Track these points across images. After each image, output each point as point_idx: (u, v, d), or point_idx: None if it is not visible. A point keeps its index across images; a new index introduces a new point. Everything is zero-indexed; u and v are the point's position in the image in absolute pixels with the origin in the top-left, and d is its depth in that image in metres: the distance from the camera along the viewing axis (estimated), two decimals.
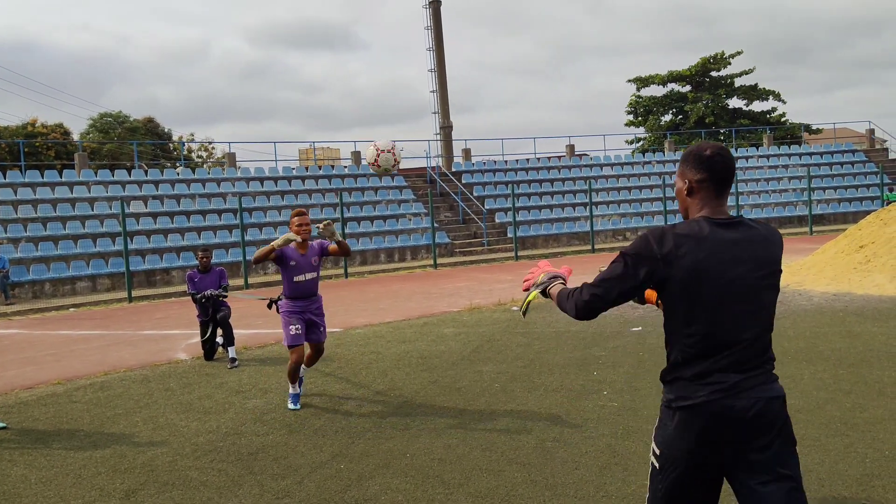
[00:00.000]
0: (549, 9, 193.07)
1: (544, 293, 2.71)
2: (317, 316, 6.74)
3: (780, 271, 2.55)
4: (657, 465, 2.51)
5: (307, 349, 6.82)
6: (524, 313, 2.92)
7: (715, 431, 2.39)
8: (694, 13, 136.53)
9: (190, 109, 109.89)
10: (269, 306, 7.16)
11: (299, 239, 6.45)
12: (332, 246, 6.63)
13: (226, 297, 9.34)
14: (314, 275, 6.68)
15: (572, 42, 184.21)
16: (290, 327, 6.53)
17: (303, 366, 6.81)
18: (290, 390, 6.70)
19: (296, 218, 6.60)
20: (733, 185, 25.28)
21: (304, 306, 6.62)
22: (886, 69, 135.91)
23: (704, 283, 2.40)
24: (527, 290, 2.79)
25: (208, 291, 9.14)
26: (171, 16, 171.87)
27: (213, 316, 9.13)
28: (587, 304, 2.49)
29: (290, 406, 6.59)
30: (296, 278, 6.57)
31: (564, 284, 2.71)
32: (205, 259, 9.29)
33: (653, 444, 2.55)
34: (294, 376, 6.62)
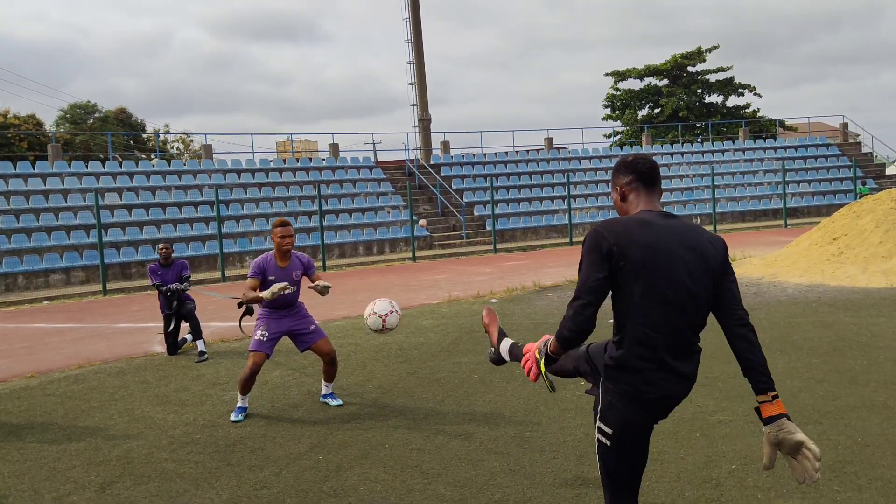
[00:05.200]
0: (510, 2, 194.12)
1: (548, 360, 2.81)
2: (299, 320, 6.25)
3: (714, 258, 2.68)
4: (608, 442, 2.70)
5: (322, 363, 6.44)
6: (552, 388, 2.97)
7: (662, 410, 2.70)
8: (653, 9, 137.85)
9: (155, 101, 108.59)
10: (240, 305, 6.90)
11: (289, 290, 5.91)
12: (313, 285, 6.17)
13: (188, 288, 9.29)
14: (294, 288, 6.15)
15: (535, 36, 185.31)
16: (258, 332, 6.10)
17: (324, 382, 6.44)
18: (239, 401, 6.14)
19: (278, 229, 6.10)
20: (710, 179, 25.21)
21: (283, 314, 6.20)
22: (849, 64, 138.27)
23: (655, 266, 2.55)
24: (535, 377, 2.90)
25: (174, 285, 9.08)
26: (126, 6, 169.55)
27: (178, 310, 9.07)
28: (576, 313, 2.58)
29: (233, 417, 6.03)
30: None
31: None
32: (165, 251, 9.24)
33: (600, 424, 2.72)
34: (245, 385, 6.07)
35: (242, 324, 6.81)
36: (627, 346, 2.61)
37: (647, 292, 2.55)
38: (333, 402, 6.37)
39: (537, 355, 2.85)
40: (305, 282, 6.36)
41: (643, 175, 2.73)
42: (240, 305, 6.84)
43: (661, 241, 2.57)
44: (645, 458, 2.78)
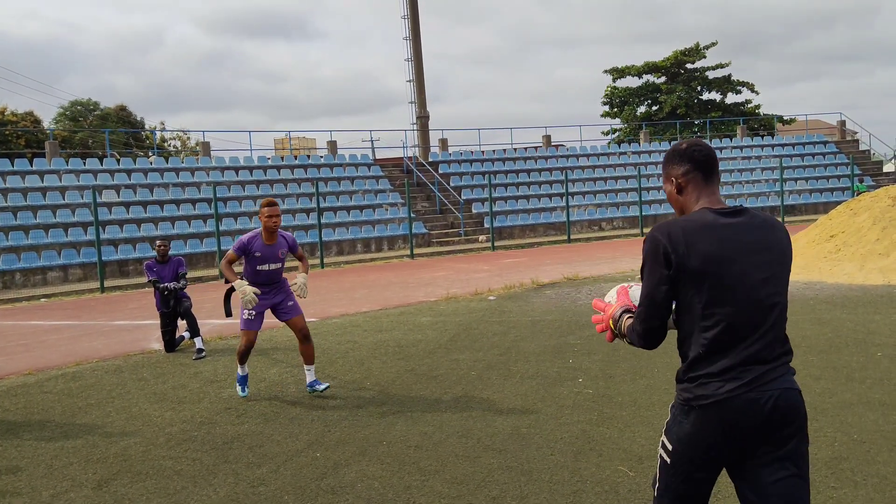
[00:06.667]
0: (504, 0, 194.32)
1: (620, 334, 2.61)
2: (281, 294, 6.52)
3: (790, 257, 2.49)
4: (669, 460, 2.45)
5: (297, 340, 6.67)
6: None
7: (736, 426, 2.33)
8: (647, 7, 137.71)
9: (150, 98, 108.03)
10: (228, 293, 6.92)
11: (250, 297, 6.17)
12: (300, 264, 6.74)
13: (185, 286, 9.30)
14: (279, 265, 6.48)
15: (529, 33, 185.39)
16: (245, 311, 6.38)
17: (305, 367, 6.58)
18: (239, 370, 6.56)
19: (266, 209, 6.35)
20: None
21: (266, 291, 6.43)
22: (844, 62, 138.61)
23: (719, 273, 2.33)
24: (606, 334, 2.68)
25: (171, 284, 9.08)
26: (118, 3, 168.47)
27: (175, 308, 9.08)
28: (645, 331, 2.43)
29: (240, 392, 6.52)
30: (259, 267, 6.38)
31: (632, 313, 2.58)
32: (162, 248, 9.25)
33: (663, 439, 2.49)
34: (243, 356, 6.47)
35: (230, 304, 7.00)
36: (691, 359, 2.39)
37: (710, 304, 2.34)
38: (320, 388, 6.51)
39: (612, 325, 2.63)
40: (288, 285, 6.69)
41: (701, 163, 2.47)
42: (229, 290, 6.88)
43: (724, 247, 2.34)
44: (702, 496, 2.46)
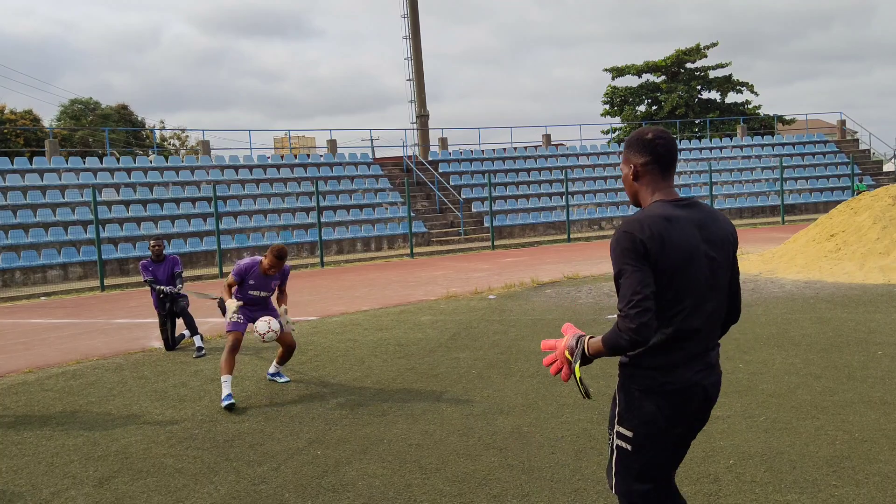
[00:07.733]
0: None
1: (584, 361, 2.48)
2: (269, 312, 6.85)
3: (735, 245, 2.63)
4: (629, 447, 2.51)
5: (280, 347, 7.02)
6: (587, 394, 2.51)
7: (695, 407, 2.51)
8: (643, 6, 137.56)
9: (147, 96, 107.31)
10: (220, 305, 7.21)
11: (234, 308, 6.63)
12: (282, 296, 6.97)
13: (182, 287, 9.31)
14: (269, 294, 6.85)
15: (526, 32, 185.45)
16: (234, 316, 6.69)
17: (275, 362, 7.08)
18: (223, 387, 6.33)
19: (274, 259, 6.56)
20: (707, 176, 25.21)
21: (255, 309, 6.83)
22: (842, 61, 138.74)
23: (685, 267, 2.41)
24: (562, 371, 2.54)
25: (167, 288, 9.08)
26: (113, 1, 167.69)
27: (171, 309, 9.09)
28: (641, 325, 2.30)
29: (224, 403, 6.21)
30: (251, 292, 6.75)
31: (589, 335, 2.52)
32: (157, 248, 9.26)
33: (618, 429, 2.53)
34: (228, 360, 6.43)
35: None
36: (652, 346, 2.43)
37: (677, 294, 2.40)
38: (281, 380, 7.02)
39: (568, 356, 2.50)
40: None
41: (662, 157, 2.50)
42: (219, 305, 7.18)
43: (687, 240, 2.40)
44: (668, 468, 2.58)
